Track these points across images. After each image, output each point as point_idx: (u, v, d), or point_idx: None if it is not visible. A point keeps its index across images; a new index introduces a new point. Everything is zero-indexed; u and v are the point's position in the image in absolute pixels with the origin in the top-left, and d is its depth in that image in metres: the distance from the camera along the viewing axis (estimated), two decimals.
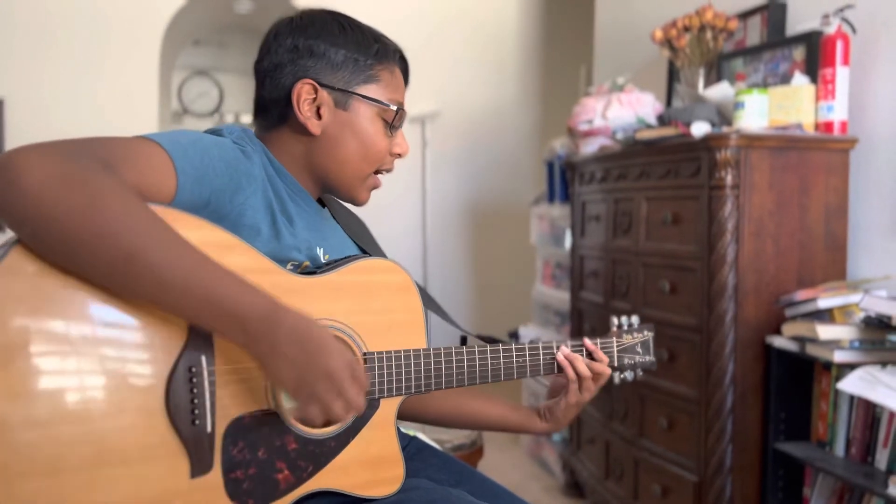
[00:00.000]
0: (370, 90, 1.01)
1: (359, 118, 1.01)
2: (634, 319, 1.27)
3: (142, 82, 3.84)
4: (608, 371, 1.16)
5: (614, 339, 1.22)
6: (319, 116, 1.00)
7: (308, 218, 1.02)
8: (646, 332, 1.27)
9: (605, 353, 1.20)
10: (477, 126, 4.24)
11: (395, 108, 1.02)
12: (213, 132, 0.96)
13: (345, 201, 1.09)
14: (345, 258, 0.99)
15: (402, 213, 4.06)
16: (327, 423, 0.91)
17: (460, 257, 4.27)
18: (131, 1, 3.78)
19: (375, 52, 1.01)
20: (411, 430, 1.31)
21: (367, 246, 1.14)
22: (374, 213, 4.49)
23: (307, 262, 0.97)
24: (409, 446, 1.16)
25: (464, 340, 1.14)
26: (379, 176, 1.07)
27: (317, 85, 0.98)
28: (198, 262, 0.77)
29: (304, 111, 0.99)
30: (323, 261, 1.01)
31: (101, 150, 0.77)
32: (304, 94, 0.98)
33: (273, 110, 1.01)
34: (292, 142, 1.01)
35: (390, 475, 0.99)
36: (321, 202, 1.11)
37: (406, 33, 4.11)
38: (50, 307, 0.74)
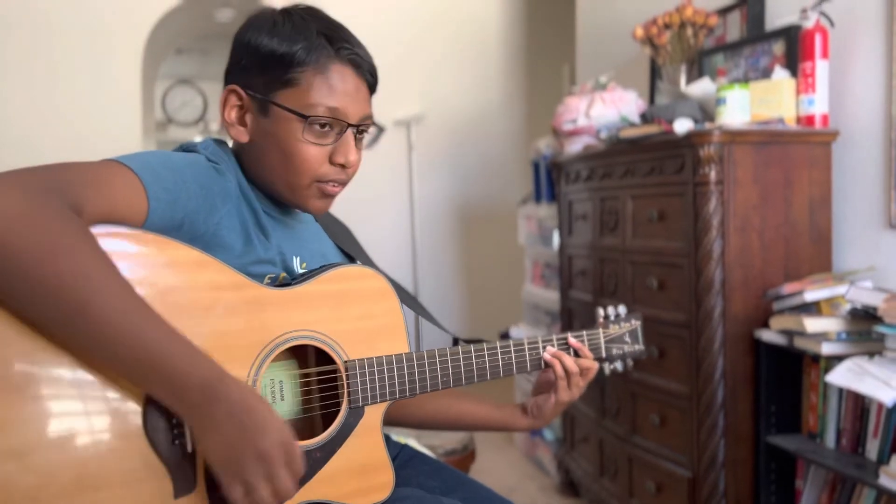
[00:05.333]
0: (286, 95, 0.92)
1: (278, 126, 0.93)
2: (621, 309, 1.26)
3: (124, 92, 3.81)
4: (595, 365, 1.15)
5: (601, 330, 1.21)
6: (245, 123, 0.95)
7: (284, 228, 1.00)
8: (633, 321, 1.25)
9: (592, 344, 1.19)
10: (462, 128, 4.24)
11: (315, 116, 0.91)
12: (188, 148, 0.94)
13: (296, 209, 1.03)
14: (320, 268, 0.97)
15: (390, 217, 4.06)
16: None
17: (449, 260, 4.27)
18: (112, 11, 3.75)
19: (299, 49, 0.91)
20: (402, 437, 1.31)
21: (350, 250, 1.12)
22: (362, 216, 4.48)
23: (284, 274, 0.96)
24: (401, 454, 1.16)
25: (455, 342, 1.13)
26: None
27: (241, 91, 0.94)
28: (147, 322, 0.74)
29: (229, 118, 0.95)
30: (300, 270, 1.00)
31: (66, 178, 0.75)
32: (231, 101, 0.95)
33: None
34: (240, 151, 0.99)
35: (379, 482, 0.99)
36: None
37: (389, 37, 4.11)
38: (18, 339, 0.73)
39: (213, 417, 0.74)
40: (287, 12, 0.95)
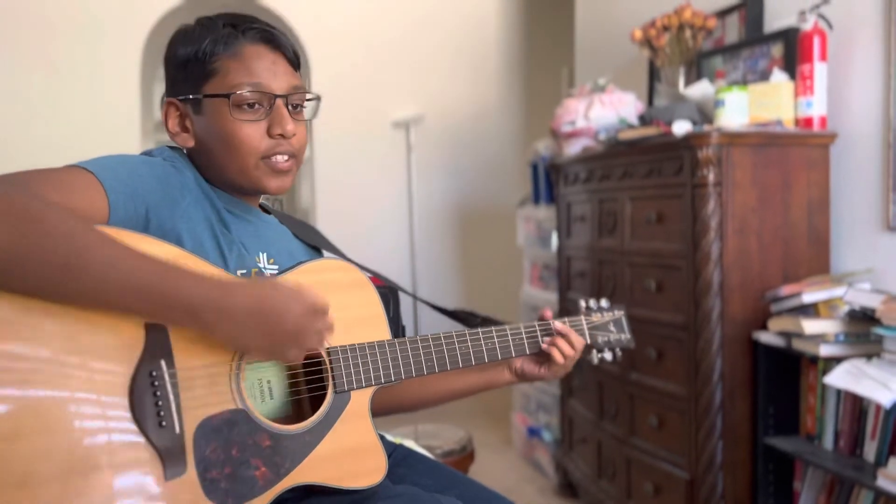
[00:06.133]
0: (210, 86, 0.97)
1: (213, 117, 0.97)
2: (604, 302, 1.29)
3: (124, 93, 3.81)
4: (582, 342, 1.19)
5: (583, 317, 1.24)
6: (187, 129, 1.00)
7: (247, 225, 1.03)
8: (616, 312, 1.28)
9: (576, 330, 1.22)
10: (461, 130, 4.24)
11: (238, 93, 0.96)
12: (145, 154, 0.98)
13: (257, 194, 1.06)
14: (296, 263, 1.00)
15: (388, 218, 4.06)
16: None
17: (448, 260, 4.27)
18: (111, 12, 3.75)
19: (207, 43, 0.97)
20: (398, 437, 1.31)
21: (321, 247, 1.14)
22: (360, 218, 4.45)
23: (256, 270, 0.98)
24: (395, 453, 1.16)
25: (459, 318, 1.19)
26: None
27: (176, 101, 1.00)
28: (138, 257, 0.78)
29: (172, 128, 1.00)
30: (268, 265, 1.02)
31: (25, 180, 0.79)
32: (171, 113, 1.01)
33: None
34: (193, 159, 1.03)
35: (372, 465, 1.00)
36: (266, 210, 1.12)
37: (388, 38, 4.11)
38: (4, 329, 0.74)
39: (238, 322, 0.81)
40: (197, 19, 1.01)
